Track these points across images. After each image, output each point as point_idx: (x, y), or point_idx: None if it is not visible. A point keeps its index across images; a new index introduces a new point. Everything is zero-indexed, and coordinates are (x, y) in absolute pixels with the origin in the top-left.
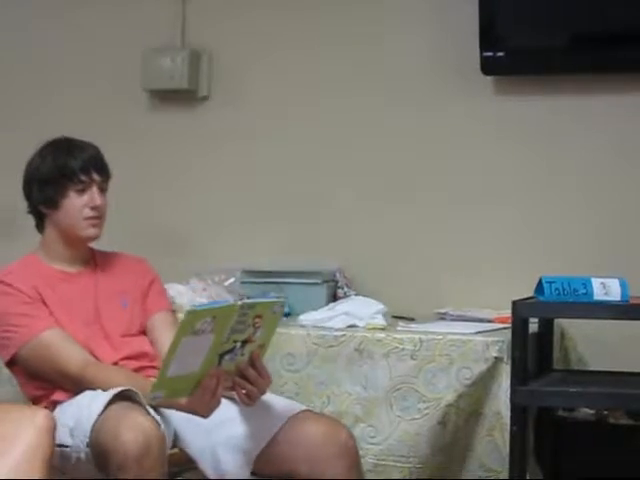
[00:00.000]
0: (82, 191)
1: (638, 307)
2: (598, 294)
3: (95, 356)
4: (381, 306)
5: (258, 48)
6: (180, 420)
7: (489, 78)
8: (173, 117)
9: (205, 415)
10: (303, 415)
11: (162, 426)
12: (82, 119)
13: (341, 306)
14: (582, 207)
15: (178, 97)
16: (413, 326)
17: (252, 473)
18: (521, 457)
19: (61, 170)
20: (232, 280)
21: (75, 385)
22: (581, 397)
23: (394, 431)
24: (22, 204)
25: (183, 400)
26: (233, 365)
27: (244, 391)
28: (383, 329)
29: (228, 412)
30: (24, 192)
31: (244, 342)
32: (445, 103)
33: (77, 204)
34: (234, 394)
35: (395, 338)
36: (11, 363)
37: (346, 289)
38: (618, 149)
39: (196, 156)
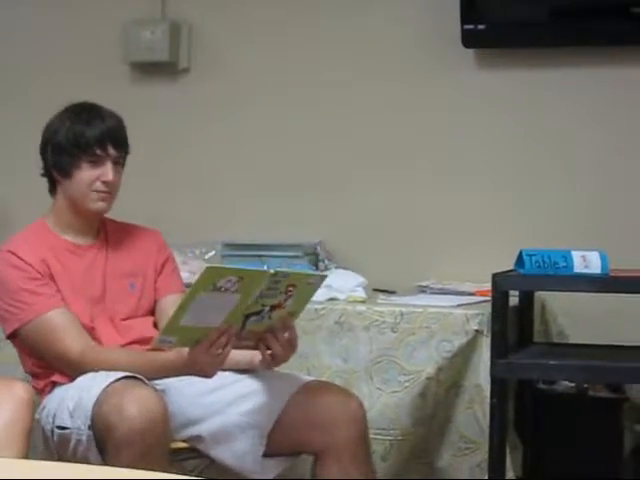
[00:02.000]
0: (95, 164)
1: (618, 280)
2: (578, 267)
3: (99, 338)
4: (362, 279)
5: (238, 19)
6: (189, 406)
7: (470, 51)
8: (154, 89)
9: (209, 374)
10: (312, 385)
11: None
12: (63, 93)
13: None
14: (563, 180)
15: (159, 69)
16: (394, 299)
17: (266, 447)
18: (501, 429)
19: (76, 139)
20: (213, 253)
21: (73, 371)
22: (561, 370)
23: (375, 404)
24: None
25: (186, 352)
26: (259, 327)
27: (269, 352)
28: (364, 302)
29: (238, 389)
30: (40, 152)
31: (273, 307)
32: (426, 76)
33: (88, 177)
34: (255, 355)
35: (376, 311)
36: (12, 336)
37: (327, 262)
38: (599, 121)
39: (178, 128)
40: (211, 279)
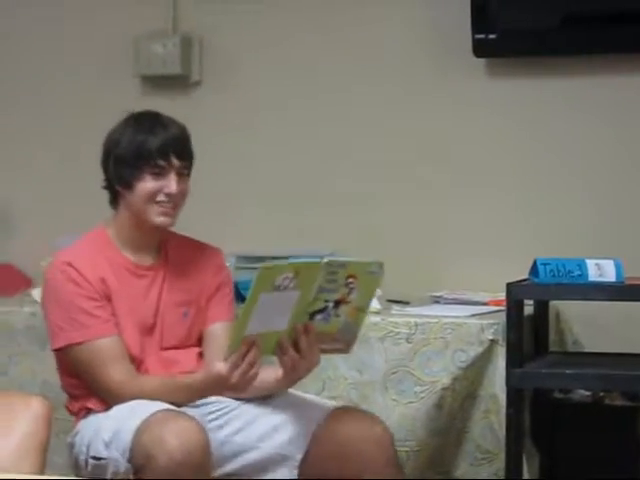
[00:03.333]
0: (158, 175)
1: (633, 288)
2: (593, 275)
3: (145, 370)
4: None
5: (250, 32)
6: (222, 444)
7: (481, 60)
8: (166, 103)
9: (241, 391)
10: (337, 412)
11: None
12: (75, 107)
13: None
14: (576, 188)
15: (170, 83)
16: (408, 310)
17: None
18: (517, 439)
19: (138, 150)
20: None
21: (110, 400)
22: (577, 379)
23: (390, 415)
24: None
25: (216, 371)
26: (329, 327)
27: (290, 364)
28: (378, 313)
29: (267, 422)
30: (101, 163)
31: (337, 303)
32: (437, 86)
33: (151, 188)
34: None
35: (390, 322)
36: (56, 350)
37: None
38: (611, 130)
39: None
40: (268, 279)
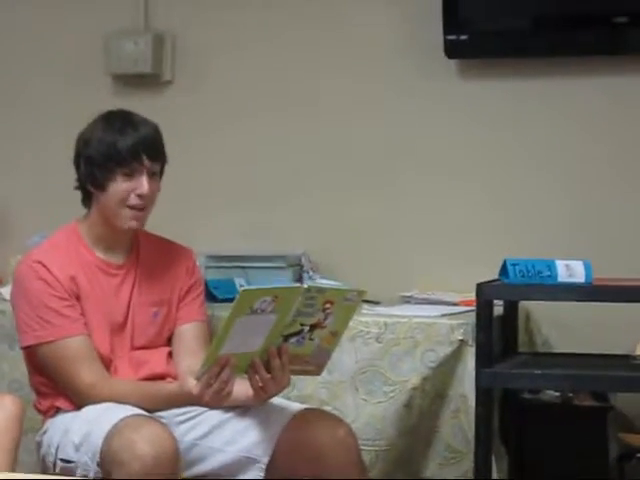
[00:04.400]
0: (130, 175)
1: (602, 289)
2: (562, 276)
3: (114, 370)
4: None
5: (221, 31)
6: (189, 447)
7: (453, 61)
8: (137, 101)
9: (213, 406)
10: (302, 414)
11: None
12: (46, 105)
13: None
14: (546, 189)
15: (142, 81)
16: (378, 309)
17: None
18: (486, 439)
19: (108, 150)
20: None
21: (80, 401)
22: (546, 379)
23: (360, 414)
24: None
25: (191, 387)
26: (303, 350)
27: (261, 384)
28: None
29: (234, 426)
30: (74, 163)
31: (313, 326)
32: (409, 87)
33: (123, 189)
34: (246, 384)
35: (360, 321)
36: (25, 348)
37: (311, 273)
38: (583, 131)
39: None
40: (247, 303)
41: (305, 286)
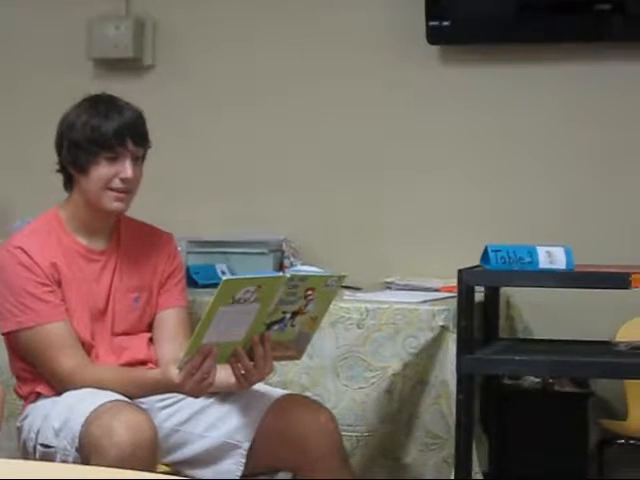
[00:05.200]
0: (113, 159)
1: (583, 275)
2: (543, 262)
3: (95, 356)
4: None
5: (203, 16)
6: (170, 433)
7: (435, 47)
8: (119, 86)
9: (195, 395)
10: (283, 400)
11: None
12: (26, 89)
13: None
14: (528, 176)
15: (123, 66)
16: (359, 295)
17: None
18: (467, 425)
19: (93, 135)
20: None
21: (61, 386)
22: (527, 365)
23: (341, 400)
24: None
25: (173, 375)
26: (284, 336)
27: (242, 371)
28: None
29: (215, 412)
30: (55, 146)
31: (294, 313)
32: (392, 73)
33: (106, 173)
34: (228, 373)
35: (341, 307)
36: (5, 334)
37: (292, 259)
38: (564, 118)
39: None
40: (229, 292)
41: (288, 275)
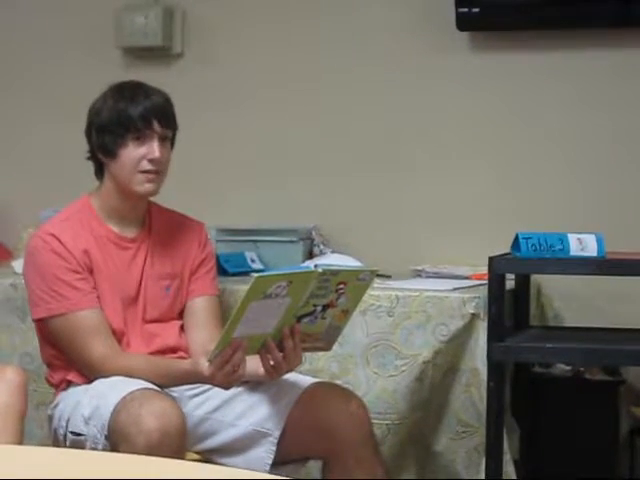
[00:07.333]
0: (141, 141)
1: (614, 262)
2: (574, 250)
3: (126, 344)
4: (357, 263)
5: (231, 4)
6: (200, 422)
7: (464, 34)
8: (147, 74)
9: (225, 387)
10: (313, 389)
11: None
12: (56, 79)
13: (317, 263)
14: (559, 163)
15: (152, 54)
16: (389, 283)
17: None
18: (498, 413)
19: (119, 117)
20: None
21: (91, 374)
22: (557, 353)
23: (371, 388)
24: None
25: (204, 366)
26: (315, 328)
27: (272, 363)
28: None
29: (245, 400)
30: (85, 134)
31: (325, 306)
32: (421, 60)
33: (134, 155)
34: (258, 364)
35: (372, 295)
36: (37, 321)
37: (322, 247)
38: (595, 105)
39: None
40: (261, 288)
41: (320, 270)
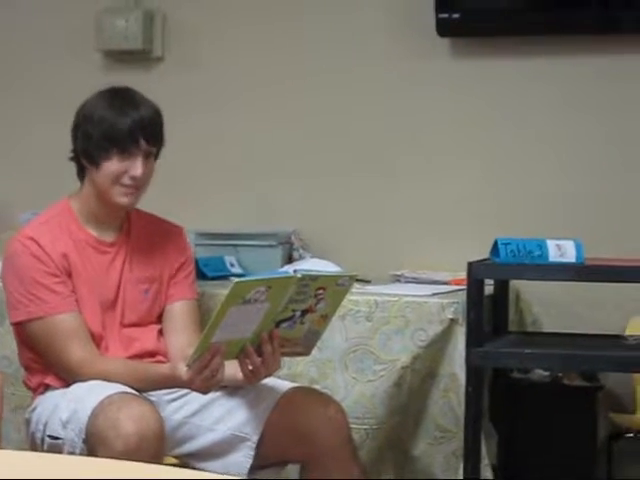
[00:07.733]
0: (125, 157)
1: (593, 269)
2: (553, 256)
3: (104, 348)
4: (336, 268)
5: (212, 8)
6: (178, 426)
7: (445, 40)
8: (128, 78)
9: (203, 391)
10: (292, 393)
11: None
12: (36, 81)
13: (296, 268)
14: (539, 168)
15: (132, 58)
16: (368, 288)
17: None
18: (476, 418)
19: (106, 129)
20: None
21: (69, 377)
22: (536, 359)
23: (349, 393)
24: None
25: (182, 371)
26: (293, 333)
27: (250, 367)
28: None
29: (223, 405)
30: (71, 133)
31: (304, 311)
32: (401, 66)
33: (117, 169)
34: (237, 369)
35: (350, 300)
36: (16, 324)
37: (301, 251)
38: (574, 110)
39: None
40: (240, 293)
41: (299, 275)
